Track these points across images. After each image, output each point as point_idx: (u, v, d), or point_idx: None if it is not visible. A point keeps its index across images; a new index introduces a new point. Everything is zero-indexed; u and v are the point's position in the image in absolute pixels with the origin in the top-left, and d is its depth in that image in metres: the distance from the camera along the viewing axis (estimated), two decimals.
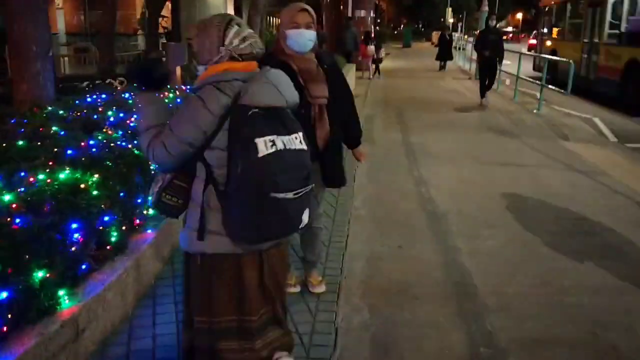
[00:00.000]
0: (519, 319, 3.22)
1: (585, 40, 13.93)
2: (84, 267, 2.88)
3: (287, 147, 1.90)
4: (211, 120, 1.89)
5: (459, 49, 25.69)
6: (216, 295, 2.08)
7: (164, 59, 4.06)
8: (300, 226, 2.02)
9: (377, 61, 17.30)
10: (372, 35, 18.47)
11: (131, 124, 4.44)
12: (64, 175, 3.04)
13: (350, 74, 13.76)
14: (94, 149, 3.59)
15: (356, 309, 3.30)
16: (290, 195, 1.90)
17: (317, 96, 2.94)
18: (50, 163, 3.24)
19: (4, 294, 2.35)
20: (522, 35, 61.50)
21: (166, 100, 4.63)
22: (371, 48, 16.90)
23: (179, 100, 5.26)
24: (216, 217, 1.97)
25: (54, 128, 4.07)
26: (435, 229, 4.63)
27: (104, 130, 4.16)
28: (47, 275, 2.53)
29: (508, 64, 13.19)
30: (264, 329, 2.18)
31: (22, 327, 2.43)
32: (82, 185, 3.00)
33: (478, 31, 14.53)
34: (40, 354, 2.37)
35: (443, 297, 3.47)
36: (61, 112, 4.71)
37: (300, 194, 1.94)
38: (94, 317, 2.85)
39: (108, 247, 3.11)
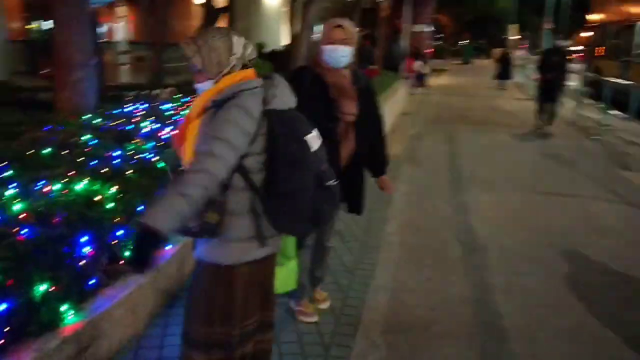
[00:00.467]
0: None
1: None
2: (92, 281, 2.82)
3: (319, 141, 2.07)
4: (253, 125, 1.92)
5: (521, 67, 24.86)
6: (251, 301, 2.14)
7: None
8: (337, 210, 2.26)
9: (421, 75, 17.03)
10: (420, 50, 18.42)
11: (162, 136, 4.42)
12: (81, 186, 3.01)
13: (401, 89, 13.50)
14: (116, 160, 3.55)
15: (373, 345, 3.09)
16: (333, 182, 2.09)
17: (346, 112, 2.92)
18: (71, 173, 3.22)
19: (3, 306, 2.30)
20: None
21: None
22: (417, 63, 16.93)
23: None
24: (263, 222, 2.01)
25: (84, 137, 4.09)
26: (470, 262, 4.35)
27: (134, 141, 4.15)
28: (50, 288, 2.48)
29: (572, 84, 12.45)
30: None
31: (22, 341, 2.37)
32: (97, 198, 2.95)
33: (540, 51, 14.02)
34: None
35: (468, 338, 3.21)
36: (97, 121, 4.75)
37: (337, 181, 2.13)
38: (100, 334, 2.77)
39: (121, 262, 3.05)
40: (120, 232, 2.98)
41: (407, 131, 10.36)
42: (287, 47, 9.60)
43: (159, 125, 4.74)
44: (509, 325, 3.37)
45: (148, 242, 1.80)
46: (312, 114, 2.16)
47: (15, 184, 2.97)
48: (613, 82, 12.58)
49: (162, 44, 9.79)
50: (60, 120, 4.63)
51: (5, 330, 2.29)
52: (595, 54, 17.31)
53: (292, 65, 9.96)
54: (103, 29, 23.14)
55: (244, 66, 2.06)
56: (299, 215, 2.00)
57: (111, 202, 2.99)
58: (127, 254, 3.04)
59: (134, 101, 5.98)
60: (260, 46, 17.31)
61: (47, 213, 2.70)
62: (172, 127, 4.71)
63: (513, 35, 40.34)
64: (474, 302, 3.66)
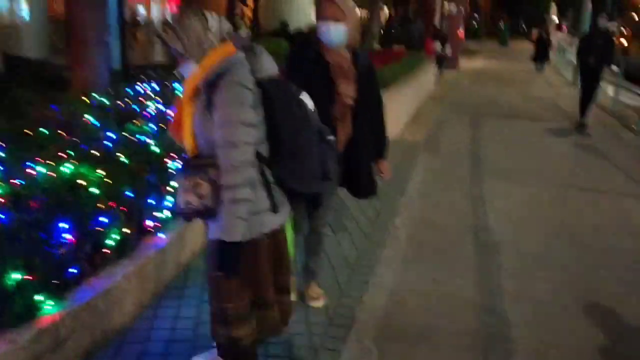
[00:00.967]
0: None
1: None
2: (73, 271, 2.71)
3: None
4: (253, 97, 1.94)
5: (561, 51, 23.90)
6: (270, 270, 2.18)
7: None
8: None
9: (442, 57, 16.47)
10: (440, 31, 17.98)
11: (167, 117, 4.29)
12: (67, 169, 2.89)
13: (430, 72, 13.08)
14: (108, 143, 3.43)
15: (365, 351, 2.92)
16: (332, 137, 2.22)
17: (344, 94, 2.80)
18: (61, 155, 3.11)
19: None
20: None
21: None
22: (437, 44, 16.55)
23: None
24: (276, 190, 2.07)
25: (87, 117, 3.99)
26: (482, 263, 4.11)
27: (135, 122, 4.02)
28: (25, 277, 2.38)
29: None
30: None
31: None
32: (81, 182, 2.83)
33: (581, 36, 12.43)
34: None
35: (470, 350, 3.01)
36: (105, 100, 4.65)
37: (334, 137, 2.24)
38: (80, 326, 2.68)
39: (106, 251, 2.94)
40: (103, 219, 2.85)
41: (431, 117, 10.03)
42: (312, 26, 9.36)
43: (164, 106, 4.60)
44: (517, 336, 3.14)
45: (231, 252, 1.96)
46: (311, 93, 2.17)
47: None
48: None
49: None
50: (69, 99, 4.56)
51: None
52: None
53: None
54: (140, 7, 23.34)
55: (222, 40, 2.04)
56: (309, 171, 2.10)
57: (95, 186, 2.86)
58: (110, 242, 2.93)
59: (149, 80, 5.88)
60: (283, 25, 17.09)
61: (24, 197, 2.58)
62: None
63: (553, 15, 38.82)
64: (481, 309, 3.44)
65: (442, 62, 16.55)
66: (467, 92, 13.72)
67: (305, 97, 2.13)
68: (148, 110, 4.47)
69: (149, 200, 3.36)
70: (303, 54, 2.86)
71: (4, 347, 2.25)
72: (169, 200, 3.63)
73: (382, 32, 16.63)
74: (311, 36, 2.91)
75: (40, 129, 3.52)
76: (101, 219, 2.86)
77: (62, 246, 2.64)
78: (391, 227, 4.65)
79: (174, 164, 3.61)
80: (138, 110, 4.45)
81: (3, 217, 2.47)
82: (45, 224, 2.58)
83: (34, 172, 2.84)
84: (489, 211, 5.20)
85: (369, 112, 2.93)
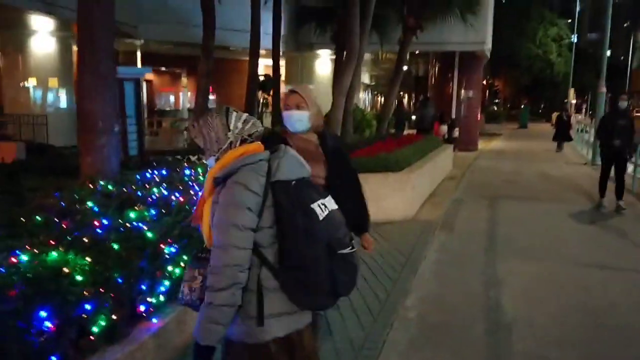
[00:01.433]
0: None
1: None
2: (54, 359, 2.62)
3: (330, 207, 2.01)
4: (257, 201, 1.91)
5: (580, 131, 23.93)
6: None
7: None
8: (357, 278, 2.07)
9: (450, 140, 16.68)
10: (445, 114, 18.42)
11: (172, 204, 4.33)
12: (51, 257, 2.87)
13: (447, 154, 13.15)
14: (99, 230, 3.43)
15: None
16: (349, 249, 2.00)
17: (314, 175, 2.74)
18: (52, 242, 3.11)
19: None
20: None
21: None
22: (443, 127, 16.93)
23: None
24: (278, 297, 1.95)
25: (88, 204, 4.04)
26: (493, 344, 3.87)
27: (136, 207, 4.05)
28: None
29: None
30: None
31: None
32: (65, 270, 2.80)
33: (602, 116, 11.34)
34: None
35: None
36: (110, 187, 4.73)
37: (354, 247, 2.03)
38: None
39: (91, 338, 2.85)
40: (88, 307, 2.79)
41: (447, 196, 9.93)
42: (327, 113, 9.66)
43: (166, 192, 4.65)
44: None
45: (203, 354, 1.90)
46: None
47: None
48: None
49: (197, 111, 10.11)
50: (75, 186, 4.65)
51: None
52: None
53: (327, 129, 9.97)
54: (168, 97, 24.67)
55: (244, 141, 2.07)
56: (315, 288, 1.94)
57: (80, 274, 2.83)
58: (95, 329, 2.85)
59: (159, 167, 6.02)
60: None
61: (3, 286, 2.55)
62: (180, 193, 4.62)
63: (572, 99, 39.29)
64: None
65: (451, 144, 16.79)
66: (485, 173, 13.65)
67: (320, 205, 1.98)
68: (152, 196, 4.52)
69: (142, 286, 3.32)
70: (269, 143, 2.91)
71: None
72: (164, 285, 3.58)
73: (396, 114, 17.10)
74: (279, 130, 3.02)
75: (36, 216, 3.55)
76: (86, 306, 2.80)
77: (42, 334, 2.57)
78: (400, 308, 4.46)
79: (169, 249, 3.58)
80: (141, 195, 4.50)
81: None
82: (24, 312, 2.53)
83: (15, 260, 2.82)
84: (504, 290, 4.97)
85: (345, 190, 2.92)
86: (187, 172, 5.72)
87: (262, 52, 13.16)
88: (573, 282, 5.27)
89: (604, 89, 16.60)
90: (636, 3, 56.85)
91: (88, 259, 2.97)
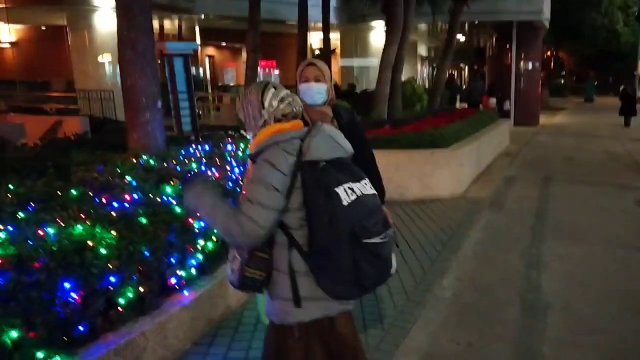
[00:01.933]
0: None
1: None
2: (81, 329, 2.73)
3: (363, 192, 1.91)
4: (284, 180, 1.89)
5: None
6: None
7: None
8: (392, 271, 1.98)
9: (501, 114, 15.95)
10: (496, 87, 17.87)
11: (208, 179, 4.38)
12: (77, 231, 2.97)
13: (502, 129, 12.66)
14: (126, 205, 3.52)
15: None
16: (379, 239, 1.88)
17: None
18: (83, 216, 3.22)
19: None
20: None
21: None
22: (492, 100, 16.44)
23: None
24: (307, 281, 1.92)
25: (127, 178, 4.15)
26: (525, 326, 3.74)
27: (172, 182, 4.13)
28: (23, 335, 2.42)
29: None
30: None
31: None
32: (90, 243, 2.89)
33: None
34: None
35: None
36: (152, 162, 4.84)
37: (387, 238, 1.92)
38: None
39: (119, 309, 2.95)
40: (113, 279, 2.89)
41: (500, 173, 9.59)
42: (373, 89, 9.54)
43: (204, 168, 4.71)
44: None
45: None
46: None
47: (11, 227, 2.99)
48: None
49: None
50: (119, 161, 4.79)
51: None
52: None
53: (374, 105, 9.82)
54: (233, 73, 24.89)
55: (278, 120, 2.05)
56: (338, 275, 1.87)
57: (105, 247, 2.91)
58: (122, 301, 2.96)
59: (202, 142, 6.11)
60: (352, 87, 17.62)
61: (27, 258, 2.66)
62: (217, 169, 4.68)
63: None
64: None
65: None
66: (543, 149, 13.09)
67: (347, 189, 1.88)
68: (191, 172, 4.58)
69: (172, 260, 3.39)
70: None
71: None
72: (196, 259, 3.65)
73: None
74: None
75: (73, 190, 3.68)
76: (111, 279, 2.90)
77: (68, 305, 2.68)
78: (437, 288, 4.38)
79: (198, 224, 3.64)
80: (180, 171, 4.58)
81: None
82: (48, 284, 2.62)
83: (42, 234, 2.93)
84: (544, 273, 4.78)
85: (359, 164, 2.86)
86: (230, 147, 5.78)
87: (317, 25, 12.96)
88: (619, 267, 4.99)
89: None
90: None
91: (114, 232, 3.05)
